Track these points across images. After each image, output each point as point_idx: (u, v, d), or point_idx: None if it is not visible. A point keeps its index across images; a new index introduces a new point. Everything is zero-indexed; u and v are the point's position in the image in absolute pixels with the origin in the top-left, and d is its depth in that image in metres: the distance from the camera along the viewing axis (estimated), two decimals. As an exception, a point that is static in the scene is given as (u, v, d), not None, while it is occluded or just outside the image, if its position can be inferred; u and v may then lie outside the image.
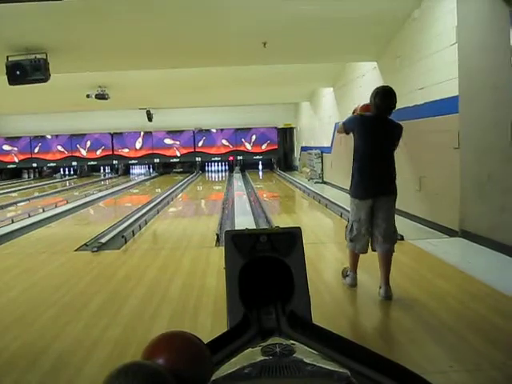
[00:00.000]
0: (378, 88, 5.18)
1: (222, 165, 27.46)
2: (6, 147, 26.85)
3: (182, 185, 20.17)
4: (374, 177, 5.11)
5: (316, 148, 19.31)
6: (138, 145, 26.91)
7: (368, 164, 5.11)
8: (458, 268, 6.08)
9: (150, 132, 26.45)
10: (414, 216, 9.35)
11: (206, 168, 27.47)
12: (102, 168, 28.10)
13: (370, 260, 6.52)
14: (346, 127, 5.35)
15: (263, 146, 26.81)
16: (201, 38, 9.87)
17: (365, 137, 5.12)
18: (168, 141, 26.82)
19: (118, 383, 1.41)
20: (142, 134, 26.66)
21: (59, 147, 27.00)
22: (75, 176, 26.97)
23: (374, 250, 5.27)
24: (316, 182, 18.13)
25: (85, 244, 8.18)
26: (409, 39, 9.47)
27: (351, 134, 5.32)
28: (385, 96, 5.06)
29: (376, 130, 5.11)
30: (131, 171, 27.68)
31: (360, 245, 5.26)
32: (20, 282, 6.26)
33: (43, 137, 26.86)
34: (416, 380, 1.97)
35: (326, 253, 7.18)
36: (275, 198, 15.86)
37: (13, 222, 10.80)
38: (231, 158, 26.91)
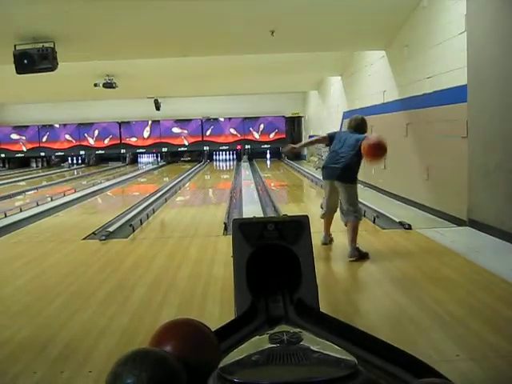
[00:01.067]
0: (353, 116, 7.18)
1: (229, 154, 27.45)
2: (14, 136, 26.91)
3: (189, 174, 20.19)
4: (331, 167, 6.70)
5: (324, 137, 19.25)
6: (146, 134, 26.90)
7: (331, 159, 6.74)
8: (466, 257, 6.08)
9: (158, 121, 26.41)
10: (421, 205, 9.34)
11: (214, 157, 27.45)
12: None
13: (378, 252, 6.55)
14: (330, 134, 7.01)
15: (271, 135, 26.77)
16: (208, 27, 9.85)
17: (335, 141, 6.76)
18: (176, 130, 26.81)
19: (126, 370, 1.42)
20: (149, 122, 26.64)
21: (67, 136, 27.04)
22: (83, 165, 27.02)
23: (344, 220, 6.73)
24: (324, 171, 18.07)
25: (93, 233, 8.21)
26: (418, 28, 9.41)
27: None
28: (355, 121, 6.83)
29: (342, 139, 6.70)
30: (139, 160, 27.69)
31: (327, 209, 6.91)
32: (28, 270, 6.30)
33: (51, 126, 26.89)
34: (422, 368, 1.98)
35: (333, 241, 7.18)
36: (283, 187, 15.86)
37: (21, 210, 10.84)
38: (239, 146, 26.87)
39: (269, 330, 1.89)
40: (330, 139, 6.91)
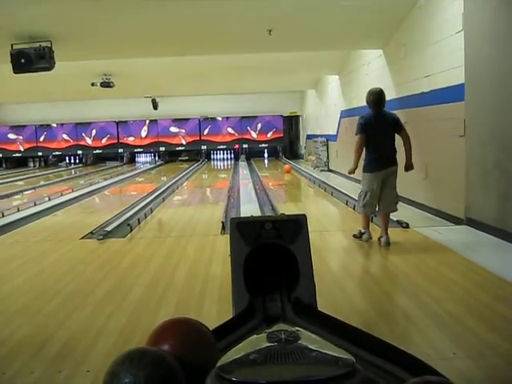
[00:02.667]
0: (371, 90, 6.74)
1: (227, 153, 27.43)
2: (11, 136, 26.85)
3: (187, 173, 20.17)
4: (384, 155, 6.61)
5: (322, 136, 19.27)
6: (144, 133, 26.87)
7: (377, 148, 6.62)
8: (463, 256, 6.08)
9: (156, 120, 26.38)
10: (419, 204, 9.34)
11: (212, 156, 27.46)
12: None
13: (376, 251, 6.56)
14: (362, 129, 6.61)
15: (269, 134, 26.74)
16: (206, 26, 9.85)
17: (370, 131, 6.55)
18: (173, 129, 26.79)
19: (124, 369, 1.41)
20: (147, 122, 26.60)
21: (65, 136, 27.00)
22: (81, 164, 26.99)
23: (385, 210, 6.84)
24: (322, 170, 18.11)
25: (90, 232, 8.20)
26: (415, 27, 9.42)
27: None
28: (376, 95, 6.60)
29: (377, 122, 6.57)
30: (137, 159, 27.66)
31: (374, 205, 6.85)
32: (26, 269, 6.29)
33: (49, 125, 26.85)
34: (420, 366, 1.98)
35: (331, 241, 7.18)
36: (280, 186, 15.85)
37: (19, 210, 10.83)
38: (237, 146, 26.84)
39: (266, 328, 1.89)
40: (366, 134, 6.67)
